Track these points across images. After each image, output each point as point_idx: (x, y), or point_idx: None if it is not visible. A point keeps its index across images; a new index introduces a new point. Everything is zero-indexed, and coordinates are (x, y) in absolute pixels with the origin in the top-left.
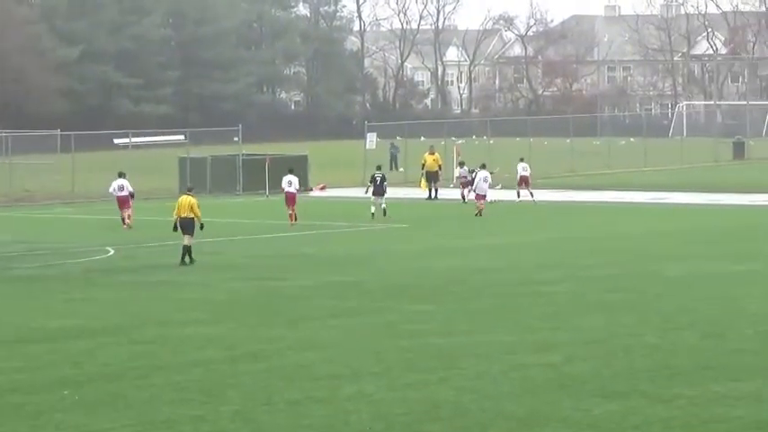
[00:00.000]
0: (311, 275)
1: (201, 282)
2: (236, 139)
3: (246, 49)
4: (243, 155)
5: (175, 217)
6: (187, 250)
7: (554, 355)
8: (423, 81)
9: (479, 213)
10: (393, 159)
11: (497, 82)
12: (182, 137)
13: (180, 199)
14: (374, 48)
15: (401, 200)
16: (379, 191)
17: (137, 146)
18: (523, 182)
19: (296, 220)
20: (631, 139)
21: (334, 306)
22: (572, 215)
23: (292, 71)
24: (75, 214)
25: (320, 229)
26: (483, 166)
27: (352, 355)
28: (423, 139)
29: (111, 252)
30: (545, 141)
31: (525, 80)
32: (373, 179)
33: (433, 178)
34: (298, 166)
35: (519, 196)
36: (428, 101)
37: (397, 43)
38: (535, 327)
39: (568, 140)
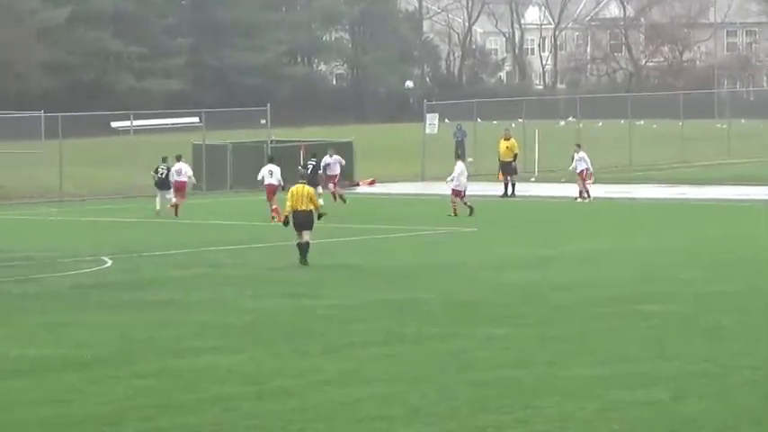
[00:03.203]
0: (357, 292)
1: (219, 300)
2: (263, 121)
3: (276, 10)
4: (272, 141)
5: (288, 210)
6: (306, 247)
7: (660, 392)
8: (496, 49)
9: (454, 213)
10: (459, 147)
11: (589, 50)
12: (196, 119)
13: (294, 189)
14: (435, 8)
15: (470, 197)
16: (314, 181)
17: (140, 130)
18: (587, 176)
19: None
20: (758, 123)
21: (386, 330)
22: (681, 216)
23: (333, 37)
24: (62, 216)
25: (368, 233)
26: (458, 156)
27: (409, 391)
28: (496, 122)
29: (109, 263)
30: (654, 124)
31: (624, 48)
32: (305, 167)
33: (507, 170)
34: (341, 154)
35: (589, 194)
36: (503, 74)
37: (464, 2)
38: (634, 356)
39: (679, 123)
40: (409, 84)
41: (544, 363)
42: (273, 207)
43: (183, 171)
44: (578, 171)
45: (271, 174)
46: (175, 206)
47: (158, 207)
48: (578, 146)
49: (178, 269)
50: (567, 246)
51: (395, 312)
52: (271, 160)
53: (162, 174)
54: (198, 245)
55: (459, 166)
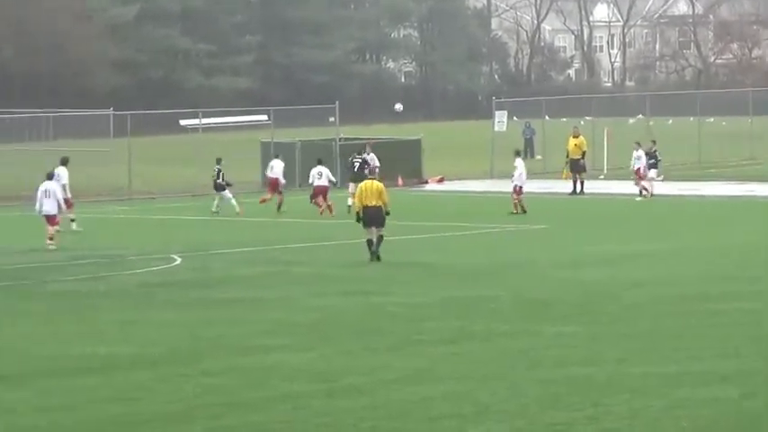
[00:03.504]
0: (426, 289)
1: (287, 298)
2: (331, 119)
3: (344, 7)
4: (340, 139)
5: (358, 206)
6: (379, 242)
7: (729, 389)
8: (564, 47)
9: (518, 210)
10: (528, 144)
11: (658, 47)
12: (264, 117)
13: (362, 185)
14: (504, 5)
15: (539, 195)
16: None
17: (209, 128)
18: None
19: (331, 211)
20: None
21: (456, 328)
22: (750, 213)
23: (402, 34)
24: (131, 214)
25: (437, 231)
26: (518, 153)
27: (479, 389)
28: (565, 119)
29: (177, 261)
30: (723, 122)
31: (693, 45)
32: (352, 167)
33: (576, 168)
34: (409, 152)
35: (648, 192)
36: (571, 71)
37: None
38: (705, 354)
39: (748, 120)
40: (399, 107)
41: (614, 360)
42: (320, 203)
43: (273, 168)
44: (635, 168)
45: (320, 175)
46: (264, 200)
47: (214, 208)
48: (638, 144)
49: (247, 267)
50: (636, 243)
51: (464, 310)
52: (319, 162)
53: (214, 177)
54: (266, 243)
55: (520, 163)
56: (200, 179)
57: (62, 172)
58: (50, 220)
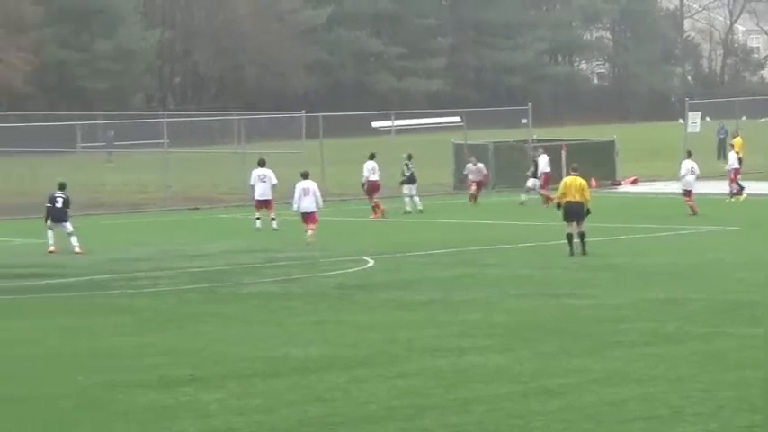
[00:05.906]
0: (620, 292)
1: (482, 300)
2: (524, 121)
3: (537, 8)
4: (534, 141)
5: (560, 200)
6: (581, 237)
7: None
8: (758, 47)
9: (693, 212)
10: (721, 145)
11: None
12: (457, 119)
13: (566, 180)
14: (697, 6)
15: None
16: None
17: (401, 130)
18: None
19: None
20: None
21: (651, 330)
22: None
23: (594, 36)
24: (324, 215)
25: (630, 233)
26: (689, 155)
27: (673, 392)
28: (763, 120)
29: (371, 263)
30: None
31: None
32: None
33: None
34: (603, 153)
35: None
36: (765, 72)
37: (726, 0)
38: None
39: None
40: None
41: None
42: (375, 203)
43: (374, 169)
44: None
45: (373, 171)
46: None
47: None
48: (731, 145)
49: (440, 269)
50: None
51: (658, 312)
52: (372, 157)
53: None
54: (460, 244)
55: (686, 165)
56: (392, 181)
57: (269, 173)
58: (309, 217)
